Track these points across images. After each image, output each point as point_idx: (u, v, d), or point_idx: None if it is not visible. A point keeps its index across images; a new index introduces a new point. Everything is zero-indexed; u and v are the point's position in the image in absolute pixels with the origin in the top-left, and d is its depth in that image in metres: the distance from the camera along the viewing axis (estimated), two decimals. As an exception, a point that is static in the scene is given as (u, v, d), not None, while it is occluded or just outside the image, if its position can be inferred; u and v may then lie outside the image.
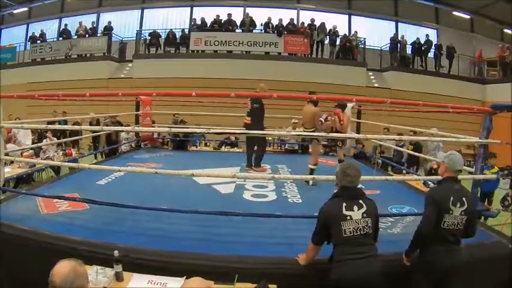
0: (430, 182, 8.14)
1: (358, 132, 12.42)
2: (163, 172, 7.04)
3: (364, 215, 4.10)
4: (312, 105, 9.23)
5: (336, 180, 4.38)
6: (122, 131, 14.19)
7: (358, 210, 4.11)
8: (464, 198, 4.38)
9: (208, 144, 16.49)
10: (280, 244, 5.34)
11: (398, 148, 12.19)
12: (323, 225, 4.21)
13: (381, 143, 11.32)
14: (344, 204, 4.12)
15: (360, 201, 4.19)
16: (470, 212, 4.42)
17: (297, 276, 4.54)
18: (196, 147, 15.72)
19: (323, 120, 8.84)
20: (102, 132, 14.53)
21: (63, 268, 2.80)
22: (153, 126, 13.99)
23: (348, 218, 4.06)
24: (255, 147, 10.50)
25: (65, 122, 14.69)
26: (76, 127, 8.40)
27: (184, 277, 4.04)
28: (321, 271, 4.39)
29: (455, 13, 26.31)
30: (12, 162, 10.49)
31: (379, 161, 10.66)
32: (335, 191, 4.37)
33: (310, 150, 9.94)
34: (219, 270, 4.45)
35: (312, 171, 9.14)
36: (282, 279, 4.20)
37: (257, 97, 10.06)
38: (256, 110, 10.14)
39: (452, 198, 4.31)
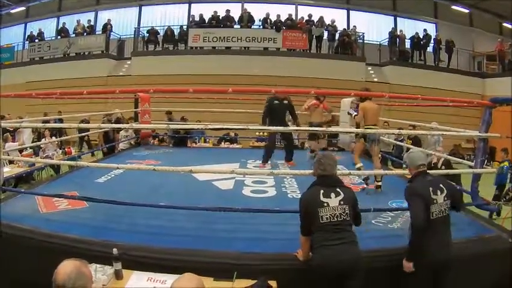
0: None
1: (357, 126, 12.38)
2: (161, 169, 7.05)
3: (341, 202, 4.21)
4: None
5: (313, 171, 4.54)
6: (120, 128, 14.13)
7: (336, 197, 4.23)
8: (441, 185, 4.52)
9: (207, 140, 16.48)
10: (280, 240, 5.32)
11: (398, 143, 12.17)
12: (305, 214, 4.30)
13: (381, 137, 11.29)
14: (321, 191, 4.26)
15: (337, 189, 4.31)
16: (451, 194, 4.55)
17: (296, 271, 4.52)
18: (196, 143, 15.72)
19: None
20: (99, 131, 14.54)
21: (66, 268, 2.77)
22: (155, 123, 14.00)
23: (325, 204, 4.18)
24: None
25: (61, 121, 14.65)
26: (73, 125, 8.38)
27: (184, 273, 4.03)
28: None
29: (454, 7, 26.21)
30: (11, 162, 10.52)
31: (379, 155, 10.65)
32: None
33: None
34: (218, 266, 4.46)
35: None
36: (281, 275, 4.21)
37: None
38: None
39: (431, 188, 4.41)
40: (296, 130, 12.60)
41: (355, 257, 4.08)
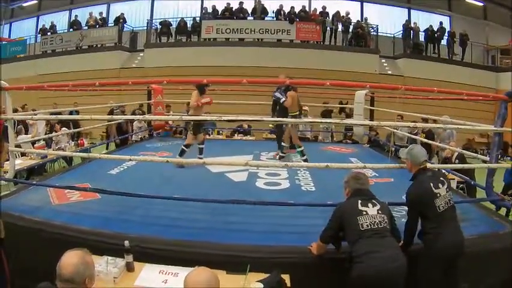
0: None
1: (371, 119, 12.30)
2: (174, 161, 7.02)
3: (379, 212, 4.17)
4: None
5: (346, 186, 4.49)
6: (133, 120, 14.14)
7: (373, 207, 4.19)
8: (442, 178, 4.63)
9: (221, 132, 16.41)
10: (293, 233, 5.27)
11: (413, 136, 12.06)
12: (337, 222, 4.25)
13: (395, 130, 11.21)
14: (359, 201, 4.21)
15: (373, 200, 4.29)
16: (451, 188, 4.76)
17: (310, 265, 4.49)
18: (209, 135, 15.68)
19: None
20: (112, 122, 14.55)
21: (71, 259, 2.79)
22: (168, 114, 13.96)
23: (364, 213, 4.13)
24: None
25: (77, 112, 14.68)
26: (86, 117, 8.35)
27: (196, 267, 4.00)
28: (334, 261, 4.42)
29: (468, 0, 25.96)
30: (24, 154, 10.54)
31: (393, 148, 10.56)
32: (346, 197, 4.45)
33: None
34: (231, 259, 4.43)
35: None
36: (294, 268, 4.17)
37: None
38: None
39: (432, 184, 4.46)
40: (309, 122, 12.55)
41: (399, 266, 3.96)
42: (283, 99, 9.43)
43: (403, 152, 5.02)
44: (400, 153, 5.67)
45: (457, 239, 4.35)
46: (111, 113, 15.41)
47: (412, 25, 24.75)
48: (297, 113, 9.83)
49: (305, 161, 9.28)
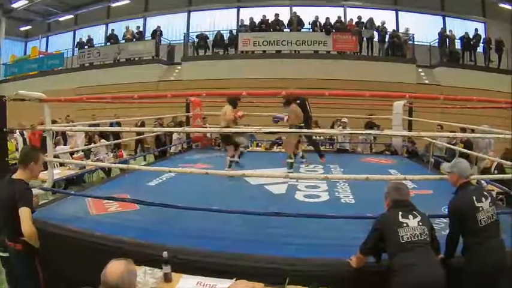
0: (483, 181, 7.86)
1: (409, 130, 12.16)
2: (214, 173, 6.99)
3: (420, 223, 4.09)
4: None
5: (386, 197, 4.43)
6: (171, 132, 14.26)
7: (414, 218, 4.11)
8: (485, 192, 4.51)
9: (260, 144, 16.38)
10: (333, 246, 5.19)
11: (452, 146, 11.87)
12: (377, 234, 4.18)
13: (434, 141, 11.04)
14: (400, 213, 4.14)
15: (414, 212, 4.20)
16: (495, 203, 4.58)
17: (348, 279, 4.40)
18: (248, 147, 15.67)
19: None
20: (151, 134, 14.67)
21: (117, 268, 2.93)
22: (206, 127, 14.03)
23: (405, 225, 4.05)
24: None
25: (118, 124, 14.85)
26: (126, 129, 8.41)
27: (234, 279, 3.97)
28: (373, 274, 4.33)
29: (501, 5, 25.49)
30: (62, 164, 10.68)
31: (432, 160, 10.39)
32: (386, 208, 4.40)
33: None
34: (270, 272, 4.38)
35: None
36: (333, 281, 4.13)
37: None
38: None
39: (474, 197, 4.36)
40: (349, 134, 12.48)
41: (439, 279, 3.89)
42: (286, 118, 9.67)
43: (447, 165, 4.92)
44: (443, 167, 5.56)
45: (499, 256, 4.22)
46: (142, 125, 15.56)
47: (448, 33, 24.48)
48: (302, 124, 10.02)
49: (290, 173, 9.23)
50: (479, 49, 24.31)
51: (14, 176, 4.62)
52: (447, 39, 24.15)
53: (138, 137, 15.71)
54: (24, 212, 4.26)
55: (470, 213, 4.26)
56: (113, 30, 27.75)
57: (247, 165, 9.22)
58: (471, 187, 4.56)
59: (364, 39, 23.67)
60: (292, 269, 4.39)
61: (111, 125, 14.20)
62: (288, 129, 9.36)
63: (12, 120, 7.17)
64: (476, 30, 24.67)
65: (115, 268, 2.91)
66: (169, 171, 7.45)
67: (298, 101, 9.99)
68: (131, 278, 2.99)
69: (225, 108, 9.34)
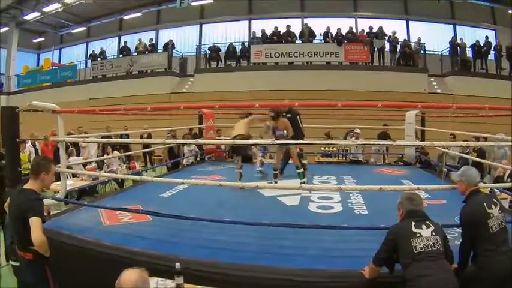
0: (497, 190, 7.82)
1: (422, 139, 12.11)
2: (227, 184, 6.99)
3: (433, 233, 4.09)
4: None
5: (400, 207, 4.42)
6: (184, 144, 14.27)
7: (427, 228, 4.11)
8: (494, 199, 4.57)
9: (273, 156, 16.38)
10: (346, 257, 5.15)
11: (464, 155, 11.79)
12: (390, 245, 4.17)
13: (447, 150, 10.98)
14: (413, 223, 4.13)
15: (427, 222, 4.20)
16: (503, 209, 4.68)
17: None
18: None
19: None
20: (164, 146, 14.69)
21: (131, 276, 2.97)
22: (219, 139, 14.06)
23: (418, 235, 4.05)
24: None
25: (127, 136, 14.88)
26: (138, 140, 8.41)
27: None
28: (387, 285, 4.33)
29: (511, 11, 25.26)
30: (75, 175, 10.73)
31: (445, 169, 10.34)
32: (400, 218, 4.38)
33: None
34: (284, 283, 4.42)
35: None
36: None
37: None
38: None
39: (485, 204, 4.40)
40: (364, 144, 12.45)
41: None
42: (285, 132, 9.57)
43: (455, 174, 4.93)
44: (452, 175, 5.55)
45: (510, 262, 4.22)
46: (148, 137, 15.62)
47: (459, 41, 24.31)
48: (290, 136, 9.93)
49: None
50: (491, 56, 24.13)
51: (25, 186, 4.62)
52: (458, 48, 24.00)
53: (146, 149, 15.80)
54: (34, 222, 4.25)
55: (482, 220, 4.29)
56: (125, 42, 27.96)
57: (260, 177, 9.24)
58: (481, 194, 4.59)
59: (376, 49, 23.64)
60: (305, 281, 4.43)
61: (121, 136, 14.29)
62: (302, 141, 9.41)
63: (24, 131, 7.21)
64: (486, 37, 24.50)
65: (129, 277, 2.94)
66: (183, 183, 7.48)
67: (288, 115, 9.96)
68: (145, 286, 3.00)
69: (243, 122, 9.58)
